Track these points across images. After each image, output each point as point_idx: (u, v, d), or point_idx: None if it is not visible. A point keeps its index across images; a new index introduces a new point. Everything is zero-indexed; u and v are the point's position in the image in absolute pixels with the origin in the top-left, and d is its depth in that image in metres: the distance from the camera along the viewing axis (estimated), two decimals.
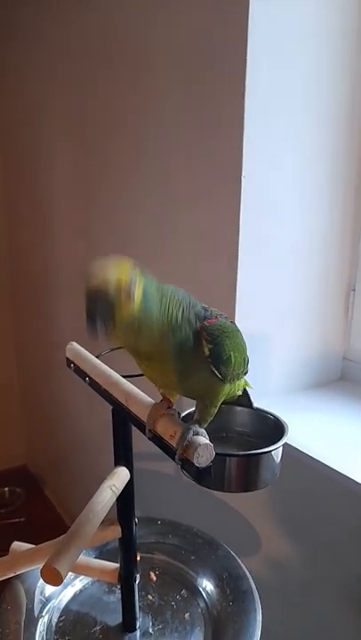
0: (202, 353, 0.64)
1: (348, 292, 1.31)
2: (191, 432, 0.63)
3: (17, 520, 2.51)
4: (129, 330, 0.58)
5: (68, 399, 2.28)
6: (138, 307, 0.58)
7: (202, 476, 0.61)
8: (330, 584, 1.10)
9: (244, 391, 0.79)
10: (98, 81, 1.59)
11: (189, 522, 1.14)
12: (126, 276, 0.56)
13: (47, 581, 0.61)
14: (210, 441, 0.62)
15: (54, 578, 0.60)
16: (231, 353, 0.66)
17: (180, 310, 0.62)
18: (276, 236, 1.15)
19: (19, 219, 2.49)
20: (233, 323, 0.70)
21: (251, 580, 0.95)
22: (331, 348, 1.33)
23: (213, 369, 0.65)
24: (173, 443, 0.64)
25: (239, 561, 1.00)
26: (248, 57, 1.01)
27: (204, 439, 0.62)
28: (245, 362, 0.73)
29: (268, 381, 1.25)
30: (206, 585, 0.99)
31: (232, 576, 0.97)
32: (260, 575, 0.98)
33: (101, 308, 0.56)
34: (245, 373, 0.75)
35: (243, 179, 1.08)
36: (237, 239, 1.11)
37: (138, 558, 0.91)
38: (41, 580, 0.98)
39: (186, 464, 0.63)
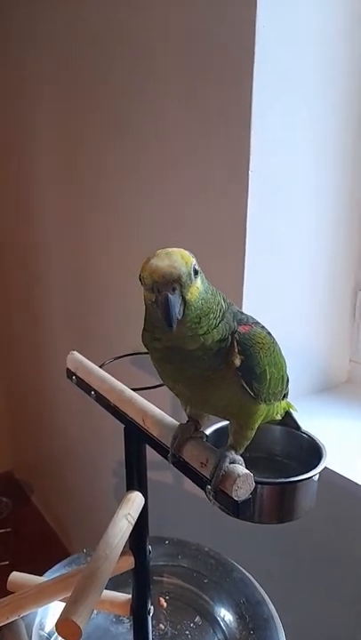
0: (232, 364, 0.57)
1: (355, 292, 1.26)
2: (227, 460, 0.56)
3: (3, 531, 2.41)
4: (194, 320, 0.56)
5: (56, 402, 2.19)
6: (200, 290, 0.56)
7: (241, 510, 0.53)
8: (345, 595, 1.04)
9: (288, 414, 0.71)
10: (96, 74, 1.50)
11: (193, 536, 1.07)
12: (190, 259, 0.55)
13: (64, 637, 0.53)
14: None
15: (72, 633, 0.52)
16: (266, 368, 0.58)
17: (222, 304, 0.58)
18: (284, 235, 1.10)
19: (8, 217, 2.38)
20: (270, 334, 0.62)
21: (271, 605, 0.89)
22: (337, 349, 1.29)
23: (244, 384, 0.58)
24: (206, 472, 0.57)
25: (257, 584, 0.93)
26: (256, 44, 0.95)
27: (242, 468, 0.54)
28: (285, 381, 0.65)
29: None
30: (223, 612, 0.92)
31: (250, 601, 0.90)
32: (277, 599, 0.92)
33: (175, 289, 0.54)
34: (286, 395, 0.68)
35: (250, 173, 1.02)
36: (244, 238, 1.06)
37: None
38: (40, 612, 0.91)
39: (220, 496, 0.55)
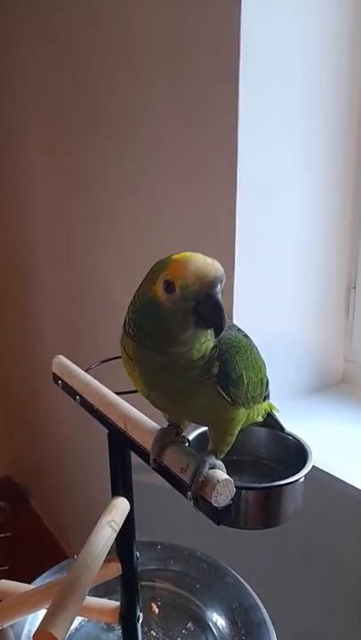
0: (209, 370, 0.55)
1: (348, 290, 1.25)
2: (207, 465, 0.54)
3: (2, 535, 2.39)
4: None
5: (53, 405, 2.18)
6: None
7: (221, 517, 0.52)
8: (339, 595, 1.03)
9: (270, 415, 0.70)
10: (79, 67, 1.49)
11: (188, 541, 1.06)
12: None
13: None
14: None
15: None
16: (243, 372, 0.57)
17: None
18: (274, 233, 1.09)
19: None
20: (247, 336, 0.61)
21: (264, 609, 0.87)
22: (331, 349, 1.27)
23: (220, 390, 0.56)
24: (186, 478, 0.55)
25: (249, 588, 0.92)
26: (241, 42, 0.93)
27: (222, 474, 0.53)
28: (264, 384, 0.64)
29: None
30: (215, 617, 0.90)
31: (243, 606, 0.89)
32: (270, 603, 0.90)
33: (220, 292, 0.51)
34: (266, 397, 0.66)
35: (238, 172, 1.01)
36: (234, 236, 1.05)
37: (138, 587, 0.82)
38: (29, 621, 0.90)
39: (201, 503, 0.54)
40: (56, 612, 0.53)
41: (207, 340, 0.54)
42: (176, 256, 0.52)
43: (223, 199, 1.04)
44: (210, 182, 1.08)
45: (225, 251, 1.06)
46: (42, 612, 0.82)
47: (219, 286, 0.51)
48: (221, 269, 0.51)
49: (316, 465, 0.93)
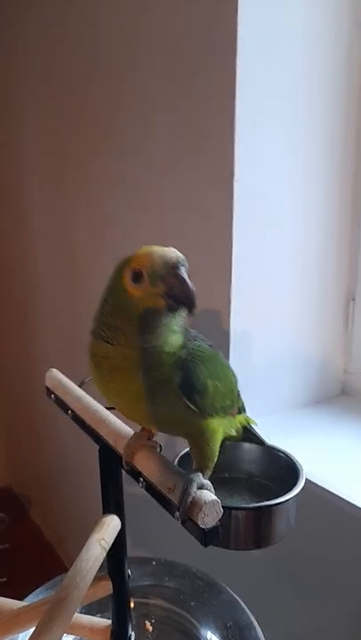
0: (174, 379, 0.56)
1: (347, 301, 1.24)
2: (195, 485, 0.54)
3: (1, 547, 2.37)
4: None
5: (54, 416, 2.17)
6: None
7: (208, 538, 0.51)
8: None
9: (246, 429, 0.69)
10: (80, 85, 1.50)
11: (184, 556, 1.04)
12: None
13: None
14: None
15: None
16: (208, 381, 0.57)
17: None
18: (272, 245, 1.09)
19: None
20: (212, 347, 0.61)
21: (259, 629, 0.85)
22: (330, 361, 1.26)
23: (185, 399, 0.56)
24: (173, 498, 0.54)
25: (245, 607, 0.90)
26: (238, 55, 0.94)
27: (210, 495, 0.52)
28: (234, 394, 0.64)
29: (264, 399, 1.18)
30: (209, 635, 0.88)
31: (238, 625, 0.87)
32: (266, 622, 0.89)
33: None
34: (241, 409, 0.66)
35: (235, 184, 1.01)
36: (231, 248, 1.05)
37: (131, 605, 0.80)
38: (20, 638, 0.88)
39: (188, 523, 0.53)
40: (41, 633, 0.52)
41: (177, 333, 0.56)
42: (137, 251, 0.56)
43: (221, 212, 1.04)
44: (208, 196, 1.08)
45: (223, 263, 1.06)
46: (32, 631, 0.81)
47: (183, 268, 0.53)
48: (181, 255, 0.55)
49: (314, 480, 0.92)
